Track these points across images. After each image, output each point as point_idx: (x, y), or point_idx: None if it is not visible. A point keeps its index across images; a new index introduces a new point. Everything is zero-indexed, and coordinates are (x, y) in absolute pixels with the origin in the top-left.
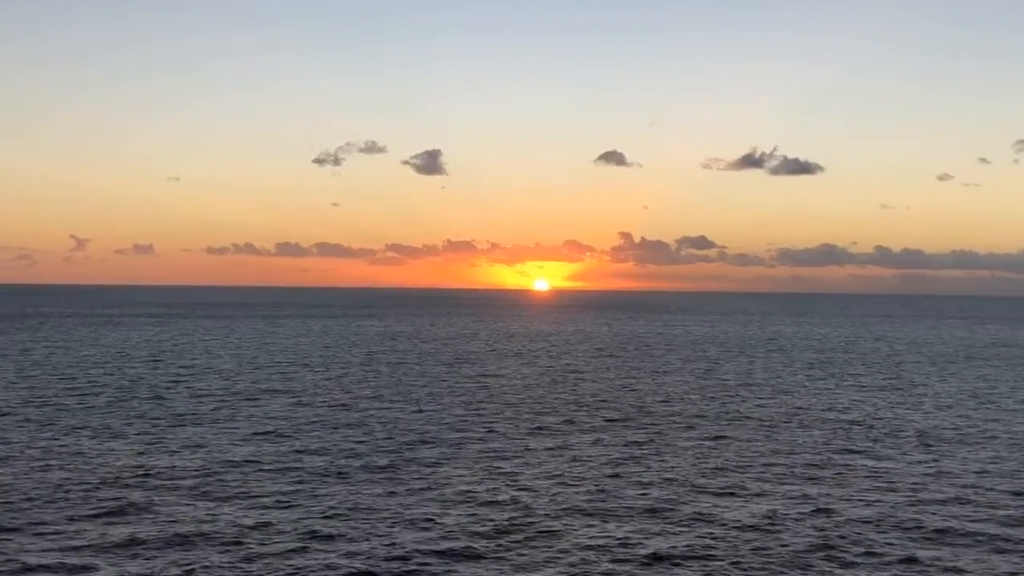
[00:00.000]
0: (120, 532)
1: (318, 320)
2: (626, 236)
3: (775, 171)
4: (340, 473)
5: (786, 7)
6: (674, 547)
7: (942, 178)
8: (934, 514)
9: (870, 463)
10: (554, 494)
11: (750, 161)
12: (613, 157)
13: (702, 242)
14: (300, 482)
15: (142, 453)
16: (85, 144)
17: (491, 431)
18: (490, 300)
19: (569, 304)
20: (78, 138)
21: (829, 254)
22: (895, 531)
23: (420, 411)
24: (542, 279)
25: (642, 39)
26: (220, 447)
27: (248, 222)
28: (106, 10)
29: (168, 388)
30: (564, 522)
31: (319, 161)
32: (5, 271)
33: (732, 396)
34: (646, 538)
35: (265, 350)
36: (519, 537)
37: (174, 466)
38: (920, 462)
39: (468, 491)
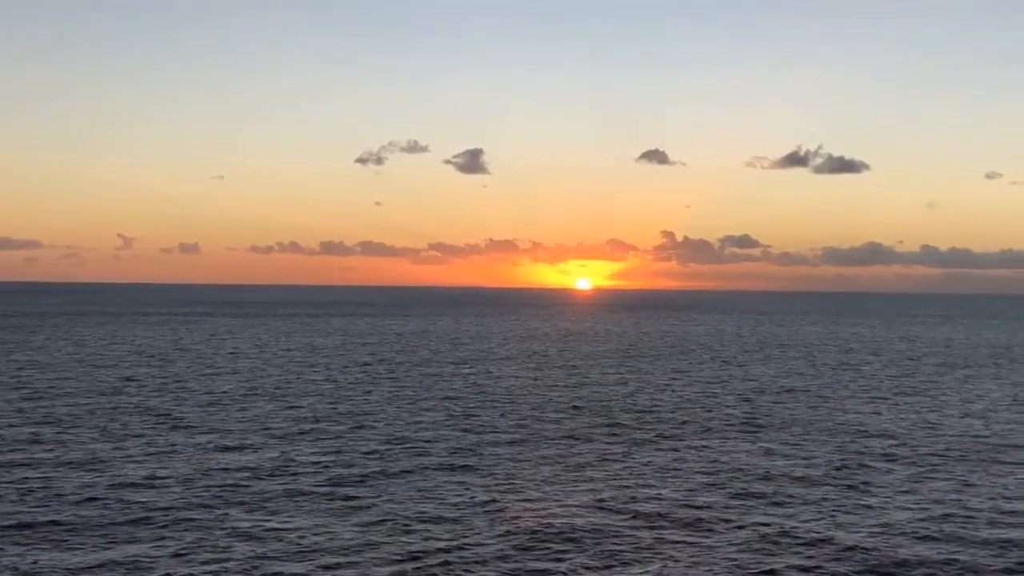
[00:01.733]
0: (155, 534)
1: (363, 319)
2: (669, 235)
3: (820, 169)
4: (375, 474)
5: (833, 7)
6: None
7: (990, 176)
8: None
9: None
10: (583, 500)
11: (794, 159)
12: (656, 156)
13: (745, 241)
14: (334, 484)
15: (192, 453)
16: (132, 144)
17: (541, 433)
18: (532, 299)
19: (611, 303)
20: (125, 138)
21: (874, 253)
22: (933, 542)
23: (462, 415)
24: (584, 278)
25: (686, 38)
26: (264, 446)
27: (292, 221)
28: (155, 19)
29: (219, 387)
30: (595, 529)
31: (362, 160)
32: (53, 269)
33: (795, 400)
34: (684, 548)
35: (309, 349)
36: (553, 544)
37: (227, 469)
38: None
39: (493, 498)
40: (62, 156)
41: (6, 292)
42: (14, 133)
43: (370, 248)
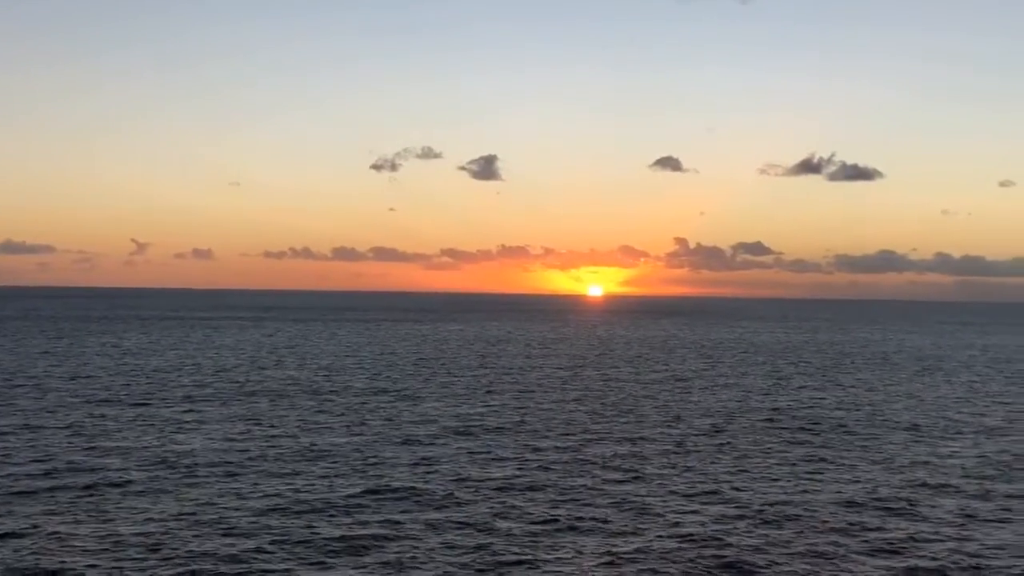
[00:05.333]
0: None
1: (377, 324)
2: (681, 242)
3: (833, 177)
4: (399, 470)
5: (845, 16)
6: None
7: (1004, 184)
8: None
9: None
10: (609, 494)
11: (808, 167)
12: (669, 163)
13: (758, 248)
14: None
15: (215, 449)
16: (147, 150)
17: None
18: (544, 305)
19: (623, 310)
20: (140, 144)
21: (888, 261)
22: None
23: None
24: (596, 284)
25: (700, 46)
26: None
27: (305, 227)
28: (171, 24)
29: (246, 388)
30: (617, 522)
31: (376, 167)
32: (66, 274)
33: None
34: (701, 547)
35: (326, 352)
36: (575, 539)
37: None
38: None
39: (513, 488)
40: (76, 161)
41: (25, 297)
42: (28, 137)
43: (382, 254)
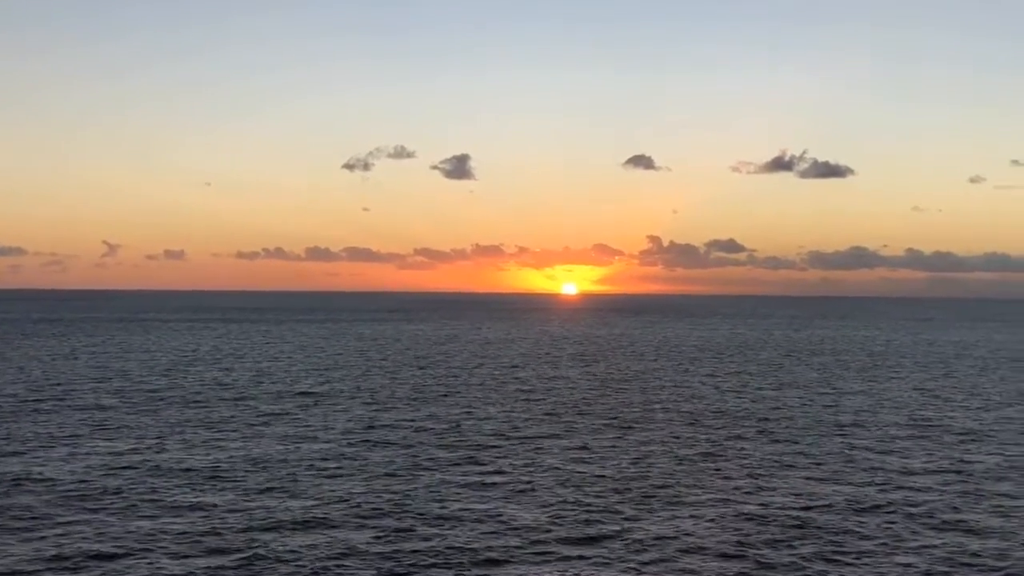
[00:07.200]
0: (206, 526)
1: (356, 324)
2: (655, 240)
3: (805, 174)
4: (386, 472)
5: (816, 14)
6: (747, 541)
7: (974, 180)
8: (996, 510)
9: (931, 461)
10: (623, 489)
11: (780, 164)
12: (642, 161)
13: (731, 245)
14: (343, 479)
15: (220, 449)
16: (118, 150)
17: (553, 430)
18: (519, 304)
19: (599, 308)
20: (111, 144)
21: (859, 257)
22: (957, 527)
23: (481, 411)
24: (570, 283)
25: (671, 44)
26: (295, 444)
27: (278, 227)
28: (141, 22)
29: (227, 389)
30: (637, 516)
31: (349, 166)
32: (37, 276)
33: (788, 396)
34: (719, 533)
35: (313, 353)
36: (593, 531)
37: (255, 460)
38: (979, 460)
39: (542, 486)
40: (46, 162)
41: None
42: None
43: (356, 254)
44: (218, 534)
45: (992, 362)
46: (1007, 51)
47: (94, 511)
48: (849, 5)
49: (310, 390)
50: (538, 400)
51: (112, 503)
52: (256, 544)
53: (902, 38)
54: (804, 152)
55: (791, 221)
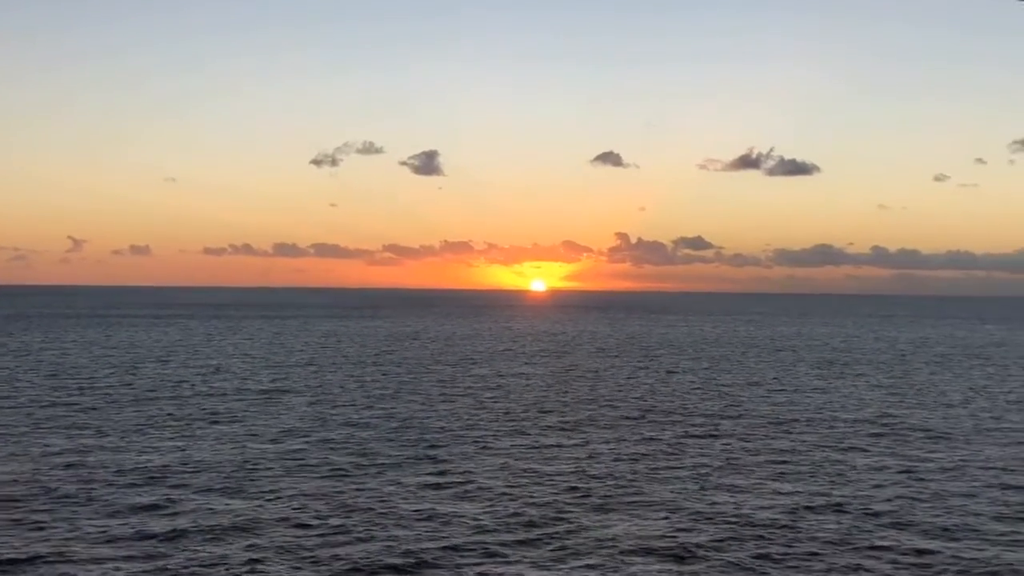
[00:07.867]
0: (151, 527)
1: (320, 321)
2: (623, 237)
3: (772, 172)
4: (361, 469)
5: (782, 11)
6: (695, 542)
7: (938, 178)
8: (947, 510)
9: (882, 460)
10: (572, 489)
11: (747, 162)
12: (610, 158)
13: (699, 243)
14: (321, 478)
15: (160, 451)
16: (82, 145)
17: (505, 429)
18: (488, 301)
19: (567, 305)
20: (75, 139)
21: (825, 254)
22: (909, 527)
23: (433, 410)
24: (539, 279)
25: (639, 41)
26: (242, 444)
27: (245, 223)
28: (102, 12)
29: (179, 387)
30: (585, 517)
31: (317, 162)
32: (1, 272)
33: (743, 395)
34: (669, 533)
35: (272, 350)
36: (539, 532)
37: (200, 462)
38: (931, 459)
39: (487, 487)
40: (10, 157)
41: None
42: None
43: (324, 250)
44: (153, 536)
45: (950, 359)
46: (970, 49)
47: (28, 512)
48: (815, 4)
49: (264, 387)
50: (492, 398)
51: (44, 505)
52: (197, 546)
53: (868, 37)
54: (771, 150)
55: (758, 219)
